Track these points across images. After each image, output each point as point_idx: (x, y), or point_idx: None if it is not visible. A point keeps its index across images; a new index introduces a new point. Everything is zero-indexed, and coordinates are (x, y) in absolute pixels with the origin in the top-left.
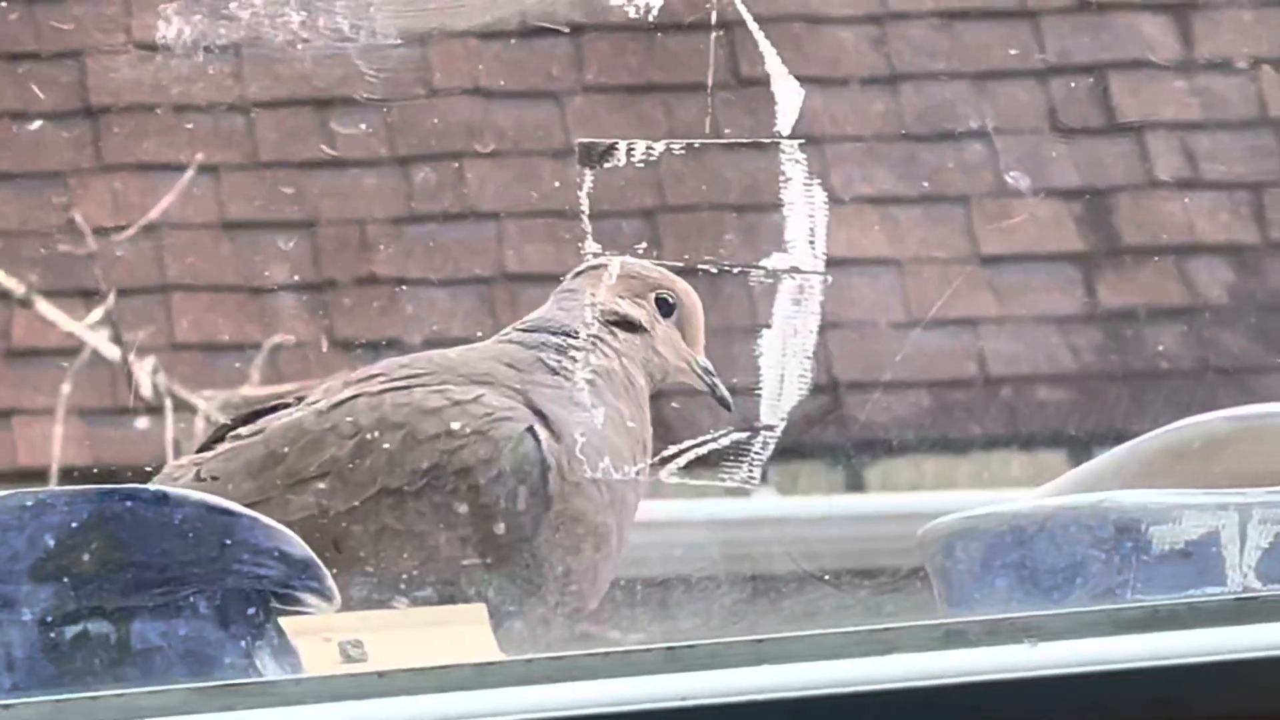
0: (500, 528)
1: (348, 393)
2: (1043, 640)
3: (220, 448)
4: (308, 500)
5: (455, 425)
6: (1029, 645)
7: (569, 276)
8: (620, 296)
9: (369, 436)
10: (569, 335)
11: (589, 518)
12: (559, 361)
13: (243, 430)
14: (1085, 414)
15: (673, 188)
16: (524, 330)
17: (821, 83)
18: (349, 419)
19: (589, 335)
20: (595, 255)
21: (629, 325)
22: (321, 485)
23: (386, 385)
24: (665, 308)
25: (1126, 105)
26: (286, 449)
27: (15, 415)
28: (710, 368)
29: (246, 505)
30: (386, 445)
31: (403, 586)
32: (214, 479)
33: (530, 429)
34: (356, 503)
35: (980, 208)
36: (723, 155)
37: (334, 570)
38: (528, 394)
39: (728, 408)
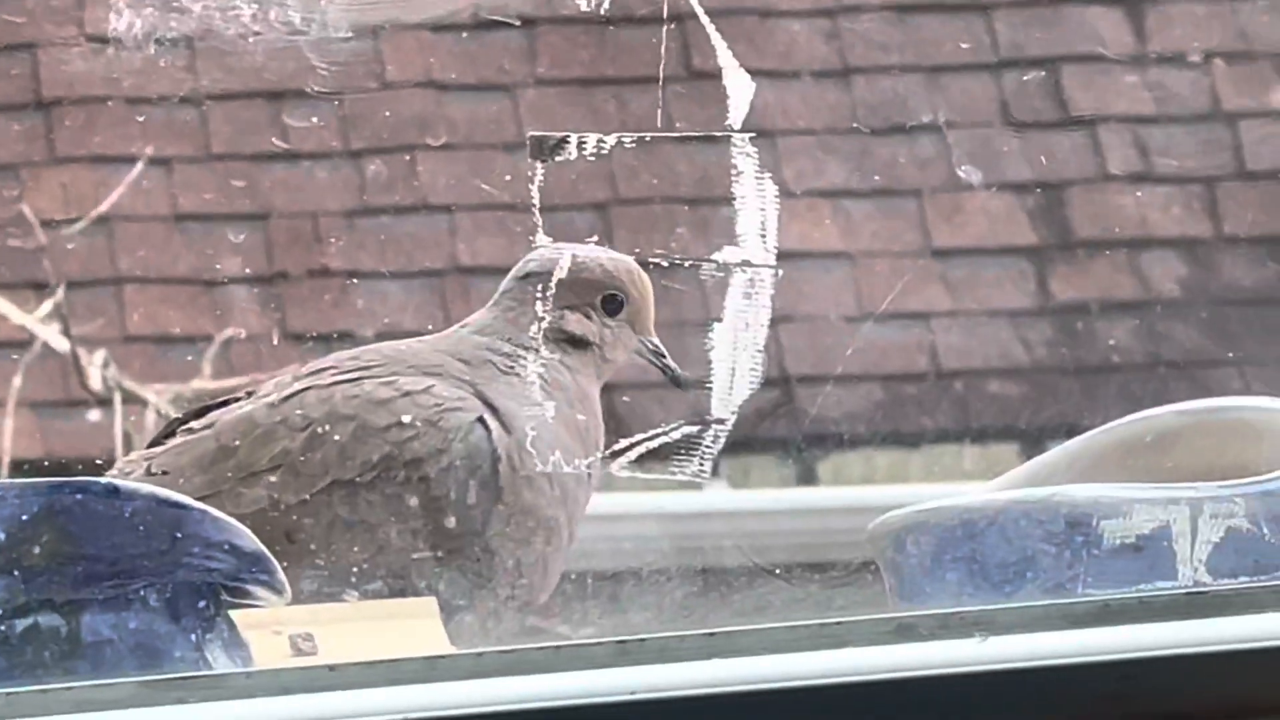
0: (451, 520)
1: (298, 386)
2: (993, 634)
3: (171, 443)
4: (259, 493)
5: (405, 416)
6: (979, 639)
7: (514, 274)
8: (567, 308)
9: (320, 429)
10: (519, 347)
11: (539, 511)
12: (509, 365)
13: (194, 425)
14: (1037, 407)
15: (625, 180)
16: (473, 333)
17: (774, 76)
18: (299, 411)
19: (538, 359)
20: (542, 246)
21: (577, 341)
22: (273, 478)
23: (337, 378)
24: (613, 305)
25: (1079, 99)
26: (237, 442)
27: None
28: (661, 348)
29: (198, 499)
30: (337, 437)
31: (353, 579)
32: (164, 474)
33: (480, 419)
34: (308, 495)
35: (933, 201)
36: (675, 148)
37: (285, 563)
38: (478, 386)
39: (680, 385)
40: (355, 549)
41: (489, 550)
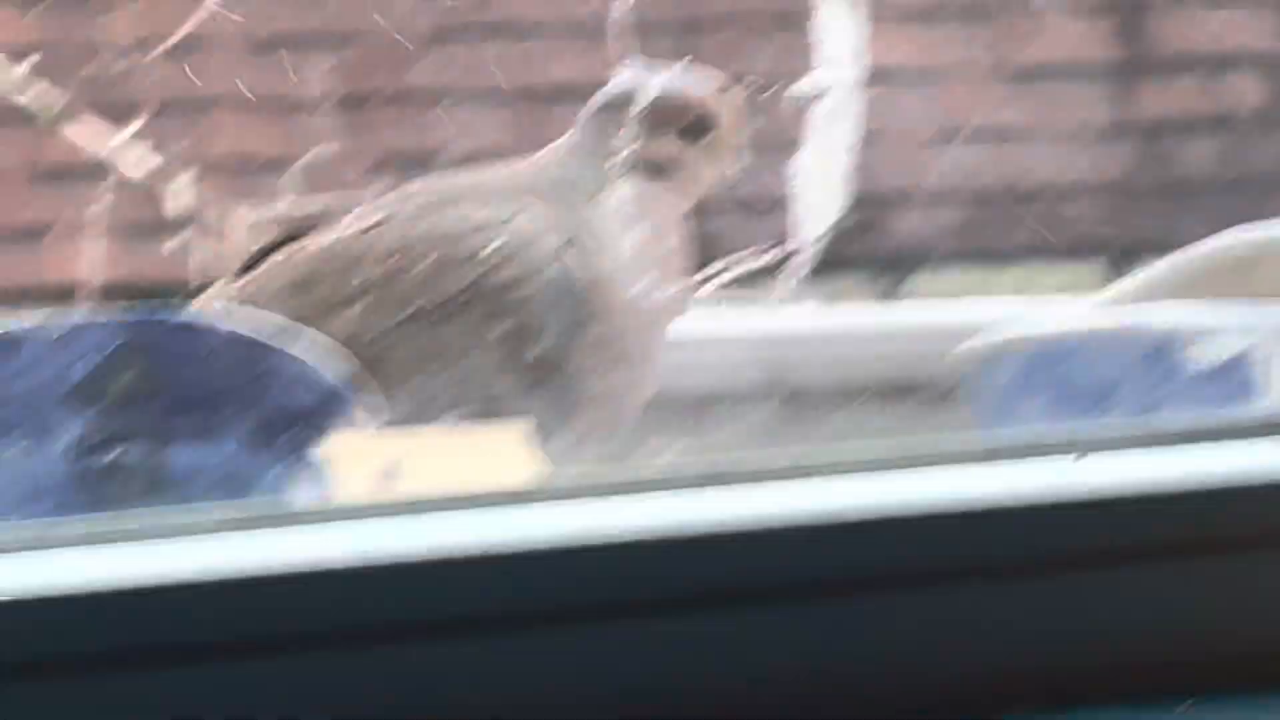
0: (538, 347)
1: (381, 215)
2: (1083, 455)
3: (256, 271)
4: (346, 322)
5: (492, 243)
6: (1075, 459)
7: (597, 101)
8: (650, 134)
9: (404, 258)
10: (601, 175)
11: (625, 338)
12: (592, 194)
13: (278, 256)
14: (1123, 225)
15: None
16: (556, 161)
17: None
18: (383, 241)
19: (621, 187)
20: (628, 69)
21: (659, 168)
22: (357, 308)
23: (424, 203)
24: (699, 130)
25: None
26: (324, 270)
27: (48, 232)
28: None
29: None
30: (421, 266)
31: (439, 409)
32: (250, 302)
33: (568, 243)
34: (393, 324)
35: (1016, 21)
36: None
37: (371, 393)
38: (561, 215)
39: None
40: (442, 378)
41: (576, 377)
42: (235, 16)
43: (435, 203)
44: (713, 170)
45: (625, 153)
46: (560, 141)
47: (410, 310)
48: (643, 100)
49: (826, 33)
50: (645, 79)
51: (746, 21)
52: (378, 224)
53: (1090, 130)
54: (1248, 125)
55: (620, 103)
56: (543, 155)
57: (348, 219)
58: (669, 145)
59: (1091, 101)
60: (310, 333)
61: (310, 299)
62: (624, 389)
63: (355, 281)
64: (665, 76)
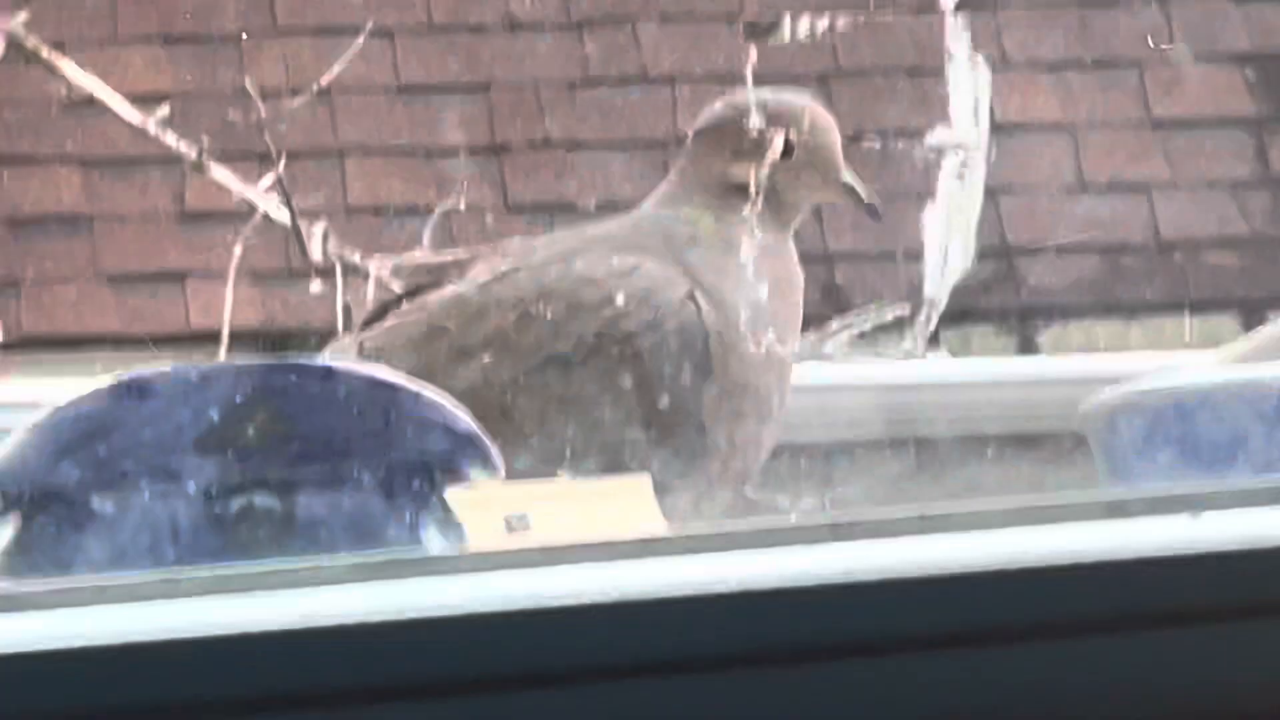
0: (664, 398)
1: (508, 265)
2: (1206, 512)
3: (383, 324)
4: (473, 372)
5: (618, 293)
6: (1191, 517)
7: (690, 137)
8: (734, 157)
9: (532, 307)
10: (701, 209)
11: (752, 387)
12: (715, 232)
13: (404, 306)
14: (1256, 278)
15: (846, 53)
16: (663, 205)
17: None
18: (511, 290)
19: (752, 208)
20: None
21: (745, 189)
22: (486, 357)
23: (546, 257)
24: (782, 146)
25: None
26: (449, 322)
27: (189, 278)
28: (852, 181)
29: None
30: (550, 315)
31: (567, 458)
32: (377, 354)
33: (690, 295)
34: (521, 373)
35: (1152, 72)
36: (896, 19)
37: (499, 442)
38: (685, 261)
39: (875, 215)
40: (569, 427)
41: (701, 428)
42: (372, 67)
43: (559, 254)
44: (808, 184)
45: (718, 181)
46: (662, 185)
47: (536, 361)
48: (715, 123)
49: (959, 85)
50: (728, 107)
51: (881, 73)
52: (502, 275)
53: (1226, 183)
54: None
55: (705, 133)
56: (653, 203)
57: (473, 271)
58: (751, 164)
59: (1227, 154)
60: (438, 383)
61: (436, 350)
62: (749, 441)
63: (481, 333)
64: (737, 98)
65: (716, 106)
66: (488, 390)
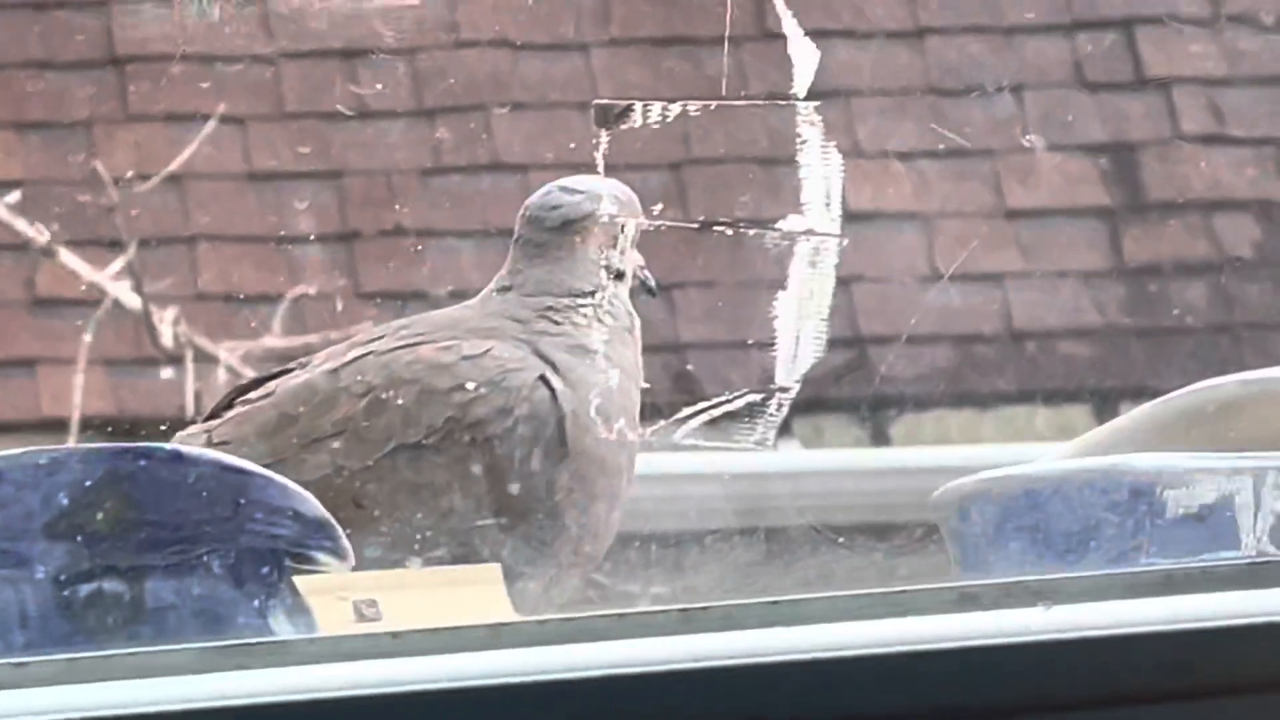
0: (514, 485)
1: (356, 352)
2: (1057, 604)
3: (230, 413)
4: (322, 460)
5: (468, 379)
6: (1043, 609)
7: (543, 224)
8: (612, 246)
9: (382, 394)
10: (574, 297)
11: (603, 471)
12: (567, 318)
13: (252, 395)
14: (1109, 369)
15: (698, 141)
16: (524, 291)
17: (846, 36)
18: (360, 377)
19: (604, 296)
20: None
21: (621, 276)
22: (336, 444)
23: (395, 344)
24: (577, 231)
25: (1152, 60)
26: (299, 409)
27: (39, 364)
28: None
29: (263, 467)
30: (400, 401)
31: (417, 546)
32: (225, 444)
33: (542, 378)
34: (371, 460)
35: (1005, 162)
36: (746, 109)
37: (349, 529)
38: (537, 345)
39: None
40: (419, 515)
41: (554, 513)
42: (223, 153)
43: (407, 339)
44: (632, 265)
45: (610, 267)
46: (514, 270)
47: (387, 449)
48: (602, 215)
49: (811, 172)
50: (583, 196)
51: (733, 161)
52: (350, 362)
53: (1079, 273)
54: (1237, 270)
55: (579, 222)
56: (500, 288)
57: (320, 356)
58: (624, 251)
59: (1081, 244)
60: (288, 471)
61: (286, 438)
62: (600, 525)
63: (331, 420)
64: (598, 188)
65: (553, 192)
66: (338, 477)
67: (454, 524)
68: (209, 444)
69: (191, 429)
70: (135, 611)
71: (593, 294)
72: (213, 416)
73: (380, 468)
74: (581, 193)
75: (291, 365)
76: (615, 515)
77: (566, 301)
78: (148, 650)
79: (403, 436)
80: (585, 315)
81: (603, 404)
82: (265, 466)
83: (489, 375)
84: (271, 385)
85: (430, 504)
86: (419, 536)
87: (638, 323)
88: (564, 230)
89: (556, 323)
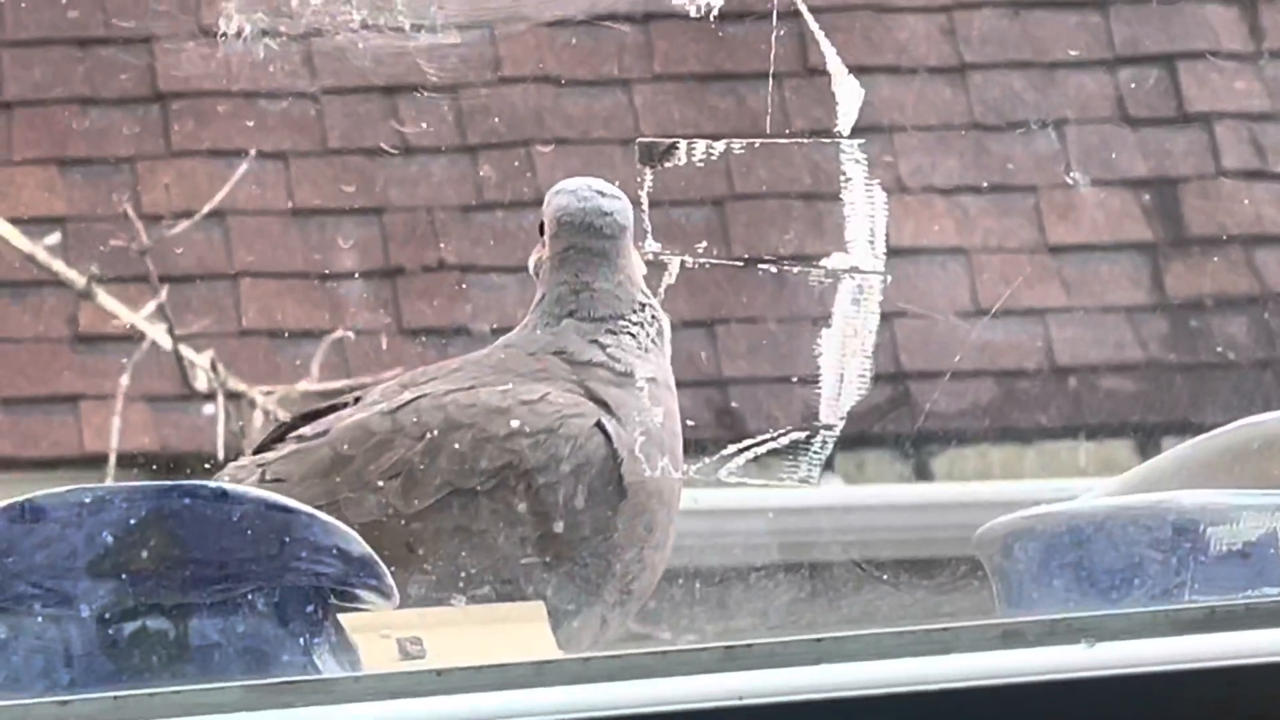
0: (568, 526)
1: (411, 394)
2: (1100, 640)
3: (284, 449)
4: (378, 501)
5: (525, 425)
6: (1086, 646)
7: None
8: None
9: (438, 438)
10: (630, 313)
11: (651, 511)
12: (617, 341)
13: (305, 431)
14: (1151, 404)
15: (740, 177)
16: (579, 316)
17: (890, 72)
18: (415, 419)
19: (651, 312)
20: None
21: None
22: (391, 487)
23: (450, 386)
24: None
25: (1194, 95)
26: (354, 450)
27: (81, 401)
28: None
29: (315, 507)
30: (456, 446)
31: (461, 584)
32: (279, 480)
33: (599, 424)
34: (427, 503)
35: (1048, 198)
36: (790, 146)
37: (395, 568)
38: (587, 383)
39: None
40: (466, 555)
41: (606, 554)
42: (266, 190)
43: (464, 383)
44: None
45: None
46: (558, 302)
47: (444, 491)
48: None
49: (855, 209)
50: (618, 205)
51: (775, 197)
52: (406, 404)
53: (1121, 308)
54: (1279, 305)
55: (579, 230)
56: (547, 318)
57: (373, 395)
58: (611, 254)
59: (1123, 279)
60: (342, 512)
61: (340, 478)
62: (647, 565)
63: (386, 462)
64: (583, 194)
65: (592, 197)
66: (392, 521)
67: (503, 566)
68: (262, 479)
69: (243, 461)
70: (180, 650)
71: (643, 308)
72: (264, 448)
73: (433, 511)
74: (612, 195)
75: (344, 400)
76: (661, 555)
77: (621, 324)
78: (192, 688)
79: (458, 481)
80: (634, 336)
81: (648, 442)
82: (319, 506)
83: (546, 422)
84: (326, 421)
85: (482, 547)
86: (463, 575)
87: (668, 325)
88: (620, 236)
89: (605, 346)
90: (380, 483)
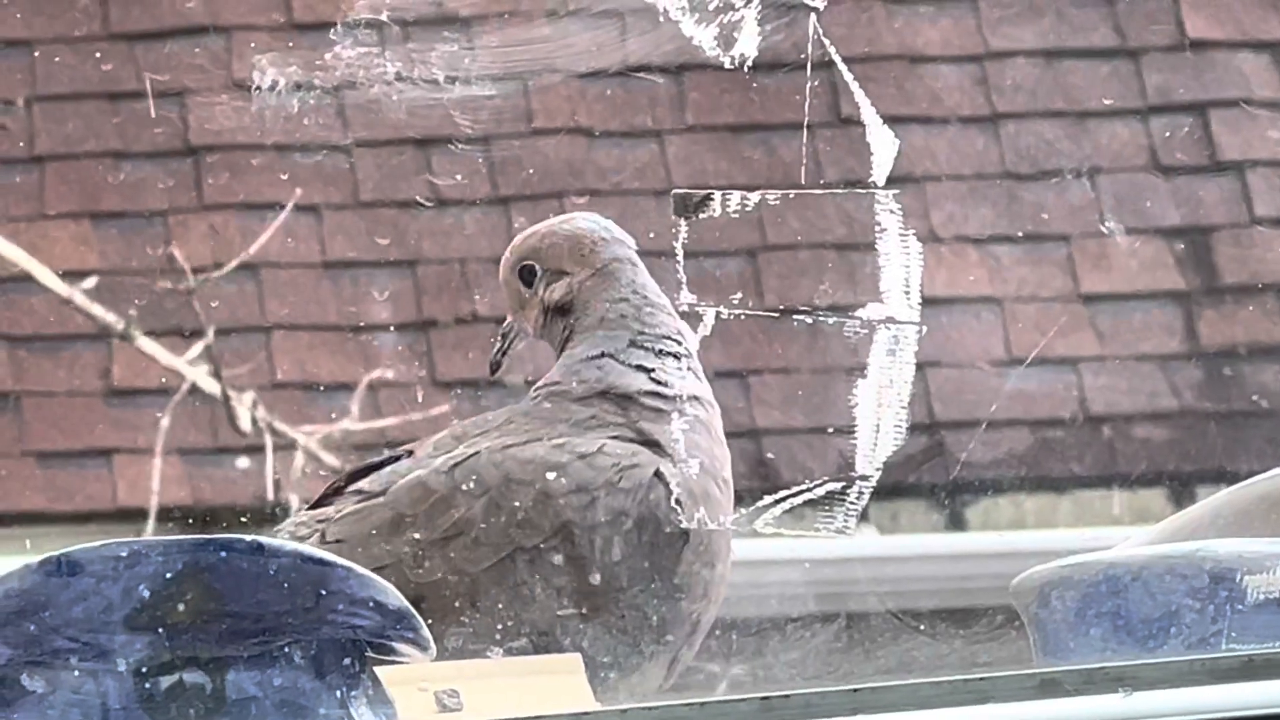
0: (597, 577)
1: (465, 449)
2: (1137, 690)
3: (344, 506)
4: (441, 563)
5: (584, 481)
6: (1123, 694)
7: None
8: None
9: (498, 498)
10: (669, 339)
11: (710, 554)
12: (661, 365)
13: (364, 486)
14: (1186, 453)
15: (773, 228)
16: (616, 349)
17: (922, 121)
18: (474, 478)
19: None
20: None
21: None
22: (453, 547)
23: (507, 440)
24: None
25: (1227, 144)
26: (415, 511)
27: (115, 454)
28: None
29: (379, 568)
30: (516, 504)
31: (498, 636)
32: (340, 542)
33: (658, 473)
34: (490, 563)
35: (1081, 247)
36: (824, 196)
37: (452, 624)
38: (640, 426)
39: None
40: (521, 610)
41: (635, 606)
42: (299, 242)
43: (519, 438)
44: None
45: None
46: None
47: (505, 553)
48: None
49: (890, 259)
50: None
51: (807, 248)
52: (463, 461)
53: (1155, 357)
54: None
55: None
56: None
57: (427, 449)
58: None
59: (1156, 328)
60: (405, 573)
61: (402, 539)
62: (688, 618)
63: (449, 520)
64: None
65: (600, 221)
66: (457, 577)
67: (535, 616)
68: (322, 540)
69: (300, 518)
70: (217, 703)
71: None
72: (320, 503)
73: (496, 570)
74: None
75: (399, 452)
76: (705, 605)
77: (669, 343)
78: None
79: (521, 540)
80: (677, 356)
81: (702, 474)
82: (381, 567)
83: (605, 476)
84: (383, 476)
85: (538, 601)
86: (500, 627)
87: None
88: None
89: (650, 370)
90: (443, 544)
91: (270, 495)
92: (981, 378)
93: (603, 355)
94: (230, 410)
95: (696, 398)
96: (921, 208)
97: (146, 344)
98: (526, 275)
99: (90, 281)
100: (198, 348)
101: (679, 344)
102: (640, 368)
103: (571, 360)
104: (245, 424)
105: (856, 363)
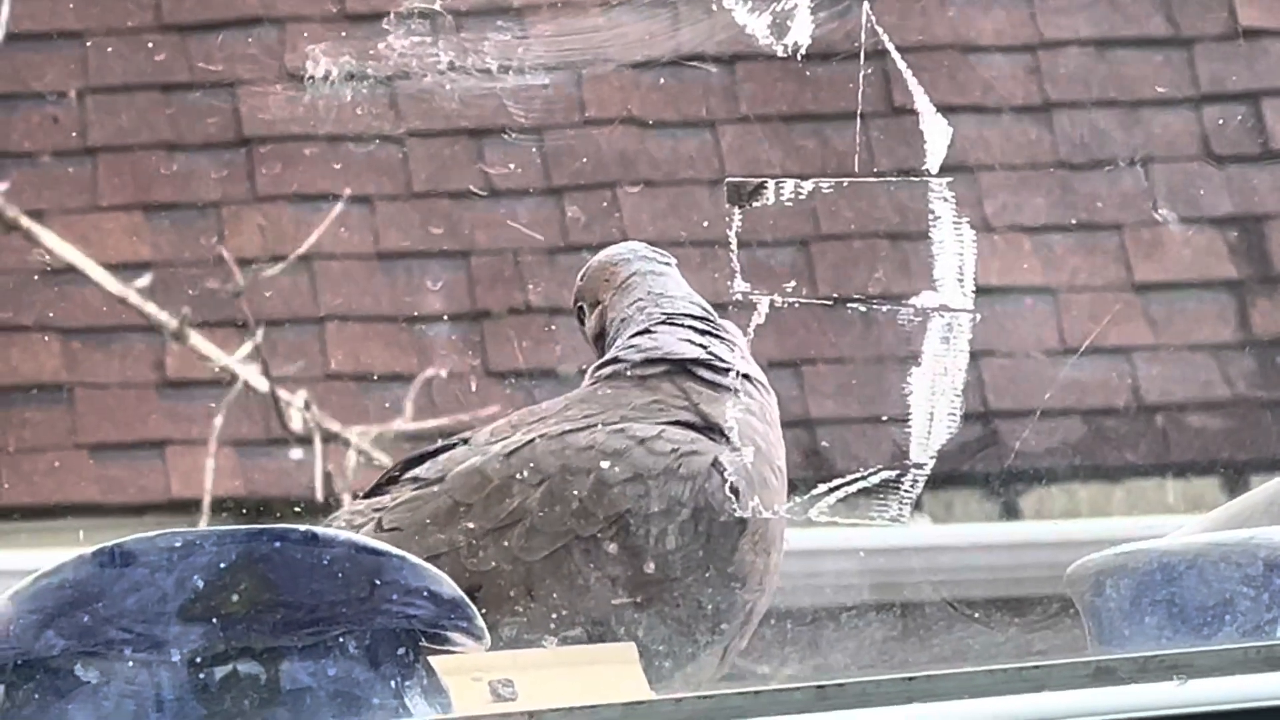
0: (681, 566)
1: (525, 436)
2: (1192, 677)
3: (400, 494)
4: (497, 551)
5: (643, 468)
6: (1178, 683)
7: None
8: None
9: (556, 483)
10: (704, 319)
11: (765, 543)
12: (708, 342)
13: (420, 473)
14: (1239, 441)
15: (826, 217)
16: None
17: (975, 111)
18: (532, 464)
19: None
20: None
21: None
22: (511, 535)
23: (565, 425)
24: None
25: None
26: (472, 498)
27: (169, 446)
28: None
29: (434, 556)
30: (575, 492)
31: (553, 625)
32: (397, 529)
33: (715, 462)
34: (548, 552)
35: (1134, 236)
36: (877, 185)
37: (508, 614)
38: (701, 408)
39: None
40: (577, 598)
41: (690, 596)
42: (353, 233)
43: (578, 423)
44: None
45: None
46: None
47: (563, 541)
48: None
49: (944, 248)
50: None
51: (860, 237)
52: (521, 447)
53: (1208, 346)
54: None
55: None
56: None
57: (483, 436)
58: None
59: (1210, 317)
60: (462, 561)
61: (459, 527)
62: (754, 605)
63: (507, 509)
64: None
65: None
66: (514, 566)
67: (590, 605)
68: (379, 528)
69: (357, 505)
70: (271, 693)
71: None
72: (376, 490)
73: (553, 558)
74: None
75: (453, 443)
76: (759, 594)
77: (706, 324)
78: None
79: (579, 529)
80: (720, 337)
81: (759, 458)
82: (437, 555)
83: (665, 463)
84: (439, 464)
85: (594, 590)
86: (555, 616)
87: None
88: (673, 267)
89: (701, 344)
90: (501, 532)
91: (321, 489)
92: (1035, 366)
93: (644, 332)
94: (280, 411)
95: (749, 377)
96: (975, 197)
97: (200, 343)
98: (580, 316)
99: (144, 279)
100: (248, 345)
101: (713, 325)
102: (689, 341)
103: (615, 350)
104: (296, 423)
105: (910, 351)
